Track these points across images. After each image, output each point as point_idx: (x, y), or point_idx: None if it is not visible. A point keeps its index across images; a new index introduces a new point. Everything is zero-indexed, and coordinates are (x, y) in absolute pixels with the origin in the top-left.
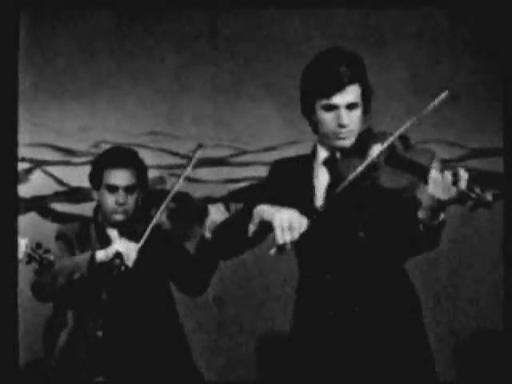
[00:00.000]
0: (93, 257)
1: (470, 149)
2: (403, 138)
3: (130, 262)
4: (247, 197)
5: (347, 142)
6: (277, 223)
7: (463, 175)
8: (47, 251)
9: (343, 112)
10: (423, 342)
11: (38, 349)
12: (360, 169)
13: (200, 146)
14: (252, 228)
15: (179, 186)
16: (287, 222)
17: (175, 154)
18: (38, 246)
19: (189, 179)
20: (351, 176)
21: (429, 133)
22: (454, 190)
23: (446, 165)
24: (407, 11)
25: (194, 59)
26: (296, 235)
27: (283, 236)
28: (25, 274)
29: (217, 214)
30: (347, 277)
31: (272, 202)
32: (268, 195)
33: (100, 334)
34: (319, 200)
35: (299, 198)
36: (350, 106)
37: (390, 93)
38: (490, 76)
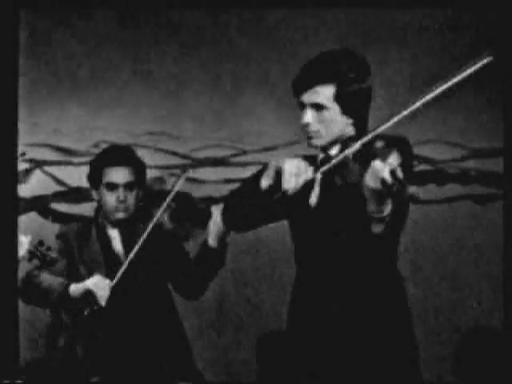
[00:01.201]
0: (67, 288)
1: (470, 149)
2: (385, 141)
3: (102, 301)
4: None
5: (316, 142)
6: (286, 168)
7: (387, 166)
8: (49, 249)
9: (306, 111)
10: (410, 343)
11: (38, 349)
12: (331, 163)
13: (185, 171)
14: (266, 181)
15: (176, 189)
16: (295, 168)
17: (175, 154)
18: (41, 243)
19: (189, 179)
20: (321, 169)
21: (429, 133)
22: (379, 180)
23: (445, 165)
24: (407, 11)
25: (195, 59)
26: (301, 182)
27: (289, 181)
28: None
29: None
30: (329, 275)
31: (271, 191)
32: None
33: (100, 334)
34: (313, 197)
35: (299, 194)
36: (316, 107)
37: (390, 92)
38: (490, 76)
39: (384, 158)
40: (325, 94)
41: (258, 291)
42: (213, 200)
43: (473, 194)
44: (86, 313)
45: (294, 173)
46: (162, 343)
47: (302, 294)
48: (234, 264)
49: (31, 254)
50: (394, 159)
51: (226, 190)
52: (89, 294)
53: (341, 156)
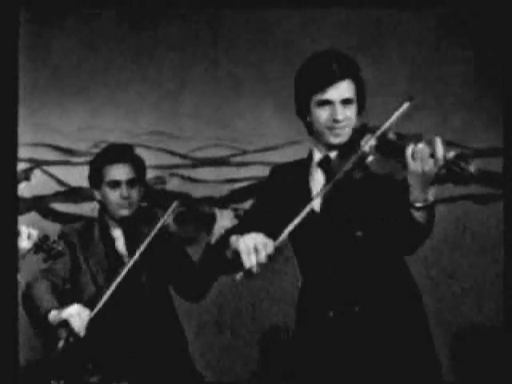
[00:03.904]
0: (47, 313)
1: (470, 149)
2: (397, 133)
3: (81, 332)
4: (249, 197)
5: (341, 139)
6: (242, 248)
7: (439, 146)
8: (55, 242)
9: (338, 107)
10: (427, 341)
11: (37, 348)
12: (352, 159)
13: (179, 202)
14: (229, 255)
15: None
16: (252, 246)
17: (175, 154)
18: (46, 237)
19: (189, 179)
20: (345, 167)
21: (429, 133)
22: (431, 162)
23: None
24: (407, 11)
25: (194, 59)
26: (263, 257)
27: (249, 259)
28: (25, 275)
29: (225, 220)
30: (346, 277)
31: (271, 207)
32: (267, 200)
33: (100, 334)
34: (316, 202)
35: (297, 201)
36: (346, 102)
37: (390, 91)
38: (490, 76)
39: (428, 144)
40: (350, 88)
41: (259, 291)
42: (213, 200)
43: (473, 194)
44: (60, 345)
45: (252, 250)
46: (162, 343)
47: (308, 296)
48: None
49: (37, 248)
50: (439, 146)
51: (225, 190)
52: (63, 325)
53: (360, 150)
